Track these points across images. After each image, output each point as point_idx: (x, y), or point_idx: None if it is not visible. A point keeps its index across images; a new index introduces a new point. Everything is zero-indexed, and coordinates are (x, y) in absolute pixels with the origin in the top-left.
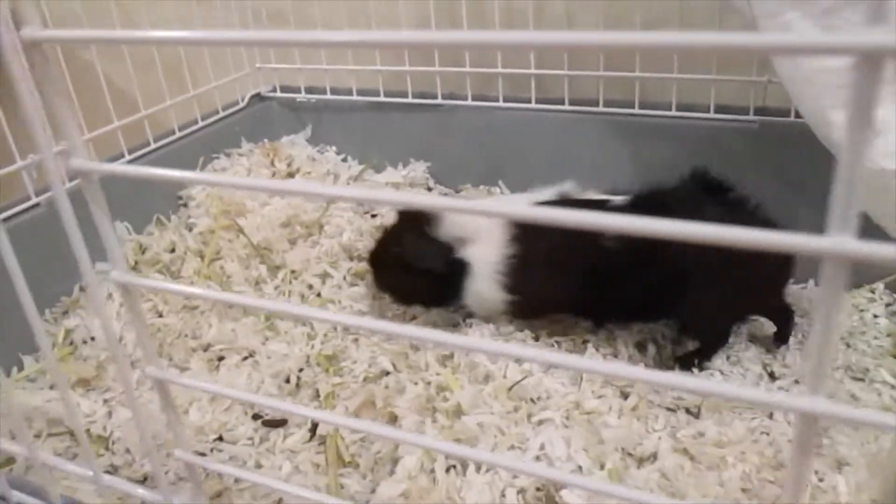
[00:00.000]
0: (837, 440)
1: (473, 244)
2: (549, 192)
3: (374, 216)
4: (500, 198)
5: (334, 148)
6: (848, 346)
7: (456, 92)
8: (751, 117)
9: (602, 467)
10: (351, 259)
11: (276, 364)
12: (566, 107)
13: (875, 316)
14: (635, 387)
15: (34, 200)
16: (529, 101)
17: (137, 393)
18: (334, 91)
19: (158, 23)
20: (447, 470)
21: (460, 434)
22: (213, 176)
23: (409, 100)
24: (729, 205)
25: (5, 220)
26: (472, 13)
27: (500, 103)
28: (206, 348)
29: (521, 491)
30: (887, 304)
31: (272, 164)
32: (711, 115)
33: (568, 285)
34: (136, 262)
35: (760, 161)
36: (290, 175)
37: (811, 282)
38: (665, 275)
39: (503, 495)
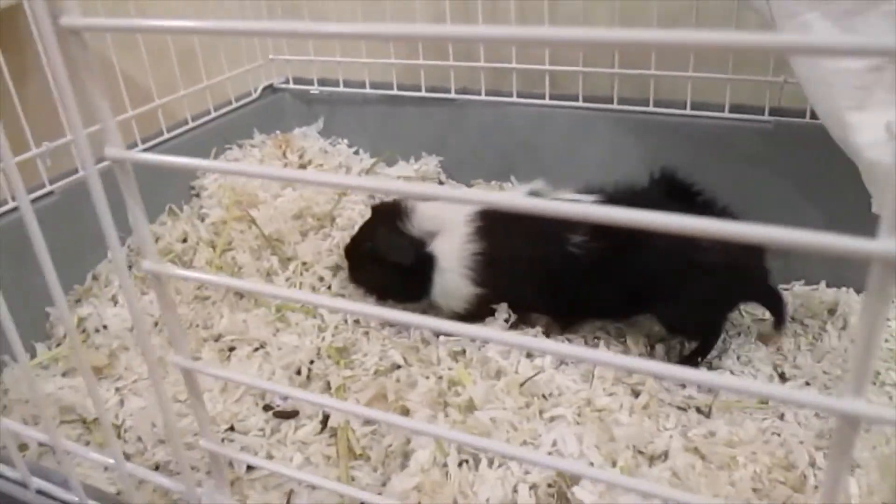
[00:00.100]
0: None
1: (441, 238)
2: (520, 191)
3: None
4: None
5: (346, 141)
6: None
7: (469, 87)
8: (766, 117)
9: (614, 465)
10: None
11: (286, 356)
12: (580, 103)
13: (886, 319)
14: (646, 385)
15: (48, 188)
16: (543, 97)
17: (148, 383)
18: (347, 84)
19: (173, 16)
20: (459, 464)
21: (473, 429)
22: (237, 165)
23: (423, 94)
24: (698, 208)
25: (18, 207)
26: (487, 9)
27: (514, 98)
28: (217, 339)
29: (534, 486)
30: None
31: (284, 155)
32: (726, 114)
33: (533, 282)
34: None
35: (774, 161)
36: (302, 167)
37: (822, 283)
38: (634, 275)
39: (515, 491)
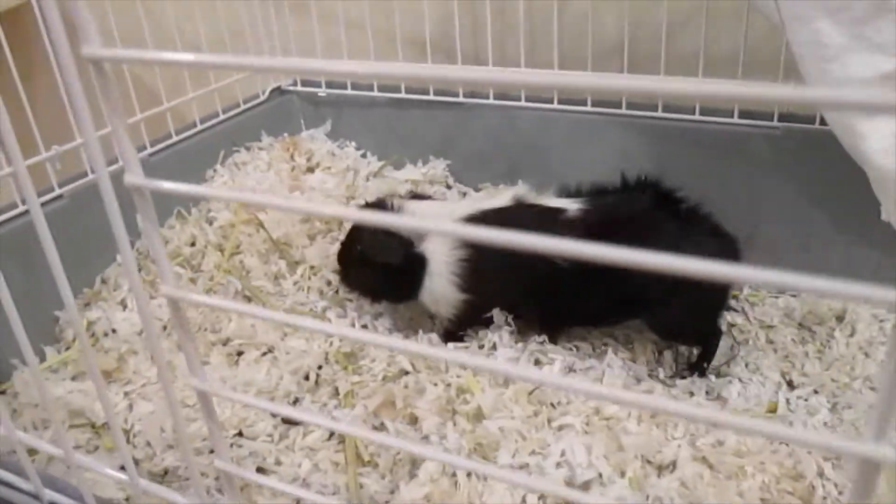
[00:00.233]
0: None
1: (430, 240)
2: (504, 197)
3: None
4: (450, 201)
5: (354, 143)
6: (867, 355)
7: (477, 90)
8: (775, 123)
9: (623, 475)
10: None
11: (294, 360)
12: (588, 108)
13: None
14: (654, 394)
15: (58, 192)
16: (551, 101)
17: (157, 387)
18: (355, 86)
19: (181, 13)
20: (469, 474)
21: (482, 439)
22: (245, 195)
23: (431, 97)
24: (683, 216)
25: (27, 211)
26: (495, 9)
27: (522, 102)
28: (225, 342)
29: (542, 497)
30: None
31: (292, 158)
32: (735, 119)
33: (519, 288)
34: None
35: (783, 167)
36: (310, 170)
37: None
38: (619, 280)
39: (524, 500)
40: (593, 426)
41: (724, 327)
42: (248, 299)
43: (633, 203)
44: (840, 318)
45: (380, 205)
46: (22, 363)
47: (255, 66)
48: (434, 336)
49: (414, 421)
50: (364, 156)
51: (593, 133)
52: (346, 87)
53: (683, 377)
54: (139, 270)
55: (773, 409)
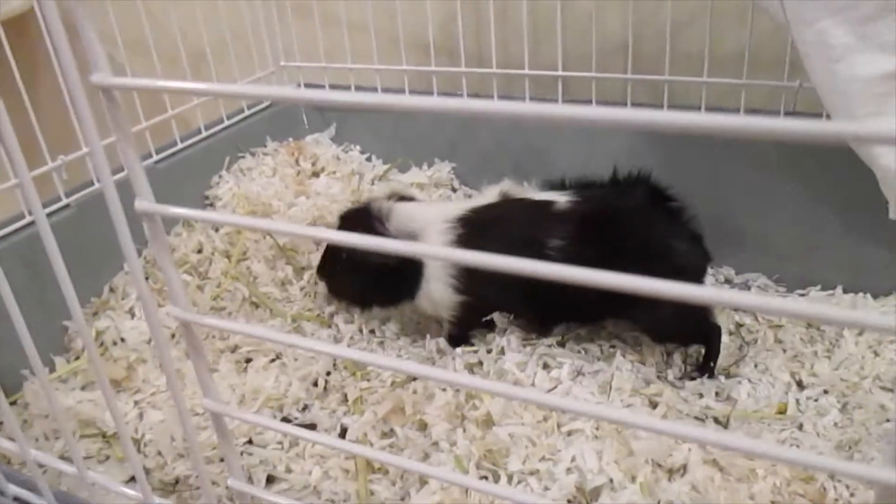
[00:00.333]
0: (869, 455)
1: (422, 241)
2: (490, 194)
3: None
4: (438, 202)
5: (359, 147)
6: (876, 354)
7: (482, 92)
8: None
9: (633, 480)
10: None
11: (303, 367)
12: (593, 108)
13: None
14: (663, 396)
15: (64, 201)
16: (556, 102)
17: (167, 395)
18: (359, 89)
19: (183, 15)
20: (479, 480)
21: (492, 445)
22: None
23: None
24: (672, 215)
25: (34, 221)
26: (498, 8)
27: (527, 104)
28: (233, 350)
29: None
30: None
31: (297, 163)
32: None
33: (512, 287)
34: None
35: (788, 167)
36: (315, 174)
37: (839, 288)
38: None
39: None
40: (603, 431)
41: (729, 326)
42: (256, 305)
43: (626, 197)
44: None
45: (365, 209)
46: (32, 374)
47: (261, 95)
48: (441, 341)
49: (423, 427)
50: (369, 159)
51: (599, 133)
52: (350, 91)
53: (692, 378)
54: (147, 279)
55: (782, 410)
